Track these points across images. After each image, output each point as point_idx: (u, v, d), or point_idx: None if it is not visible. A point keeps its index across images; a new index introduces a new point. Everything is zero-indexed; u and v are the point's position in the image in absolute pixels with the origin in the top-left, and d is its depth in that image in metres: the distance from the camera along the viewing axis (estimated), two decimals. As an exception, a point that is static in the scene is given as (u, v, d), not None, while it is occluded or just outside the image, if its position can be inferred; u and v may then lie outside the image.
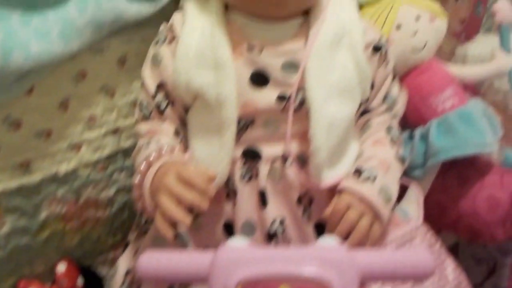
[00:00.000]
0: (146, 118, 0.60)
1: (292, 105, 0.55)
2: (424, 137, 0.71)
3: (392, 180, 0.58)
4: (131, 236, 0.65)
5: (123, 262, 0.64)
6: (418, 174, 0.71)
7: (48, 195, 0.62)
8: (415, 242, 0.62)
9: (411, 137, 0.73)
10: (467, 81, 0.74)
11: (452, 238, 0.80)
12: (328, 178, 0.57)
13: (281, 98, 0.56)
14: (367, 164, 0.58)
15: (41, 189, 0.61)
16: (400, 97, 0.72)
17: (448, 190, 0.72)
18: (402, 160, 0.61)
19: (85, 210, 0.65)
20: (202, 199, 0.48)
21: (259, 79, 0.56)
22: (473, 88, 0.87)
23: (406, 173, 0.72)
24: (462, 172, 0.72)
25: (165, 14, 0.64)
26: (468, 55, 0.87)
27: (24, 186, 0.60)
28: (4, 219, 0.59)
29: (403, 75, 0.73)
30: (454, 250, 0.79)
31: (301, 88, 0.55)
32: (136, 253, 0.63)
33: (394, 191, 0.58)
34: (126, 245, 0.66)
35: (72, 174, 0.63)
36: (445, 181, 0.72)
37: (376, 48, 0.60)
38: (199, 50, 0.56)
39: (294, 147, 0.57)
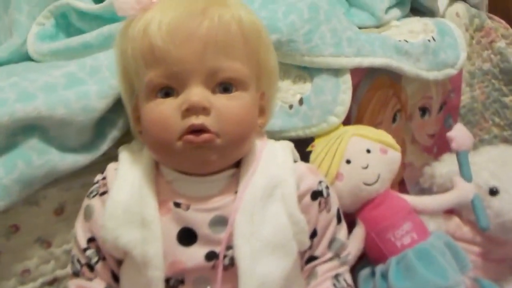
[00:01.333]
0: (76, 274, 0.57)
1: (221, 264, 0.52)
2: (385, 276, 0.66)
3: None
4: None
5: None
6: (382, 316, 0.66)
7: None
8: None
9: (373, 274, 0.69)
10: (427, 212, 0.71)
11: None
12: None
13: (210, 256, 0.53)
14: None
15: None
16: (356, 233, 0.69)
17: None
18: (348, 313, 0.56)
19: None
20: None
21: (187, 236, 0.53)
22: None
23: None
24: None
25: (105, 160, 0.63)
26: (436, 174, 0.85)
27: None
28: None
29: (358, 210, 0.70)
30: None
31: (231, 245, 0.52)
32: None
33: None
34: None
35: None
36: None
37: (315, 195, 0.57)
38: (127, 206, 0.54)
39: (225, 307, 0.53)
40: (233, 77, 0.53)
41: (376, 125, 0.82)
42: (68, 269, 0.63)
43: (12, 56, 0.84)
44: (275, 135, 0.71)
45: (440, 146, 0.98)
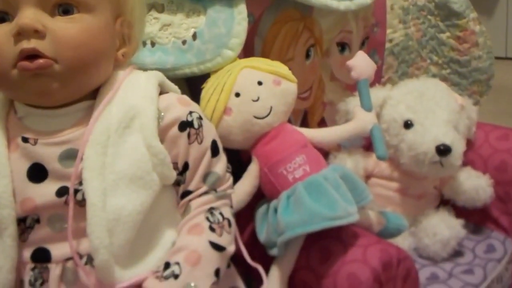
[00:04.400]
0: None
1: (72, 199, 0.49)
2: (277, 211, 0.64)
3: (202, 274, 0.51)
4: None
5: None
6: (276, 253, 0.64)
7: None
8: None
9: (267, 211, 0.66)
10: (324, 144, 0.68)
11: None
12: (125, 278, 0.50)
13: (62, 192, 0.50)
14: (174, 258, 0.51)
15: None
16: (250, 169, 0.66)
17: (311, 268, 0.64)
18: (220, 247, 0.54)
19: None
20: None
21: (37, 172, 0.50)
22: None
23: (267, 251, 0.65)
24: (325, 246, 0.64)
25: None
26: (349, 110, 0.81)
27: None
28: None
29: (252, 145, 0.67)
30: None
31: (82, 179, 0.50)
32: None
33: (205, 285, 0.51)
34: None
35: None
36: (309, 257, 0.65)
37: (182, 125, 0.54)
38: None
39: (84, 246, 0.50)
40: None
41: (286, 61, 0.78)
42: None
43: None
44: (168, 73, 0.68)
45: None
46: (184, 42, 0.71)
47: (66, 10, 0.49)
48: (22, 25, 0.46)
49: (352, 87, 0.94)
